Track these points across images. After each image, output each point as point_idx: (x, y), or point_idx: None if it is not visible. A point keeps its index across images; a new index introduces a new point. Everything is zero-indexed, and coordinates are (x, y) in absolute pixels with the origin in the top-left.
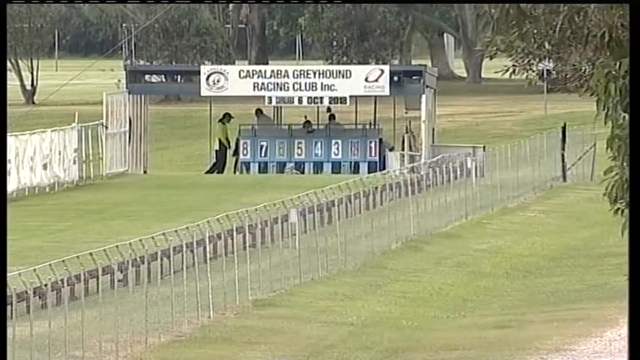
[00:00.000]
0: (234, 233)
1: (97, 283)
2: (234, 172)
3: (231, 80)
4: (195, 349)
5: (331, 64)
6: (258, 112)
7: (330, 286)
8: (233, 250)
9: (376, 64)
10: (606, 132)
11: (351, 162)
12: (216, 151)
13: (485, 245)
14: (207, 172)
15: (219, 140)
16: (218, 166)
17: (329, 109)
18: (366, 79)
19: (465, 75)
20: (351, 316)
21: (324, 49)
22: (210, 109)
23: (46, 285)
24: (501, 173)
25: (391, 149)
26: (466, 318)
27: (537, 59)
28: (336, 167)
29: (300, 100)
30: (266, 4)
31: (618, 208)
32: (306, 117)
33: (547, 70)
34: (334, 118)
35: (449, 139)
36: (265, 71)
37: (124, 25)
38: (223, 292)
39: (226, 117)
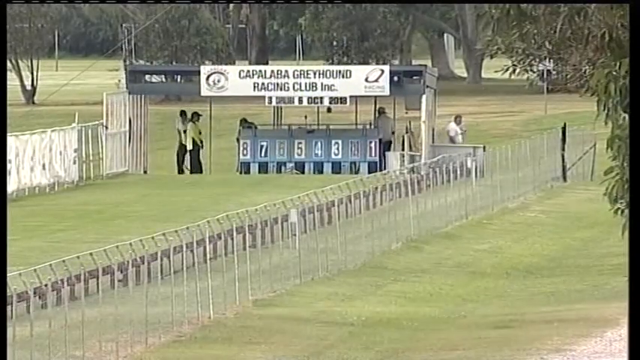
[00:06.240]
0: (235, 233)
1: (97, 283)
2: (235, 172)
3: (232, 80)
4: (196, 349)
5: (331, 64)
6: (243, 121)
7: (330, 286)
8: (233, 250)
9: (376, 64)
10: (606, 132)
11: (351, 162)
12: (190, 151)
13: (486, 245)
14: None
15: (193, 140)
16: (194, 166)
17: (329, 110)
18: (367, 79)
19: (465, 75)
20: (351, 316)
21: (325, 49)
22: (211, 109)
23: (46, 285)
24: (501, 173)
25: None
26: (466, 318)
27: (538, 60)
28: (336, 167)
29: (300, 100)
30: (266, 3)
31: (618, 208)
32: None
33: (547, 70)
34: (384, 112)
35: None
36: (265, 71)
37: (124, 25)
38: (223, 292)
39: (195, 116)
